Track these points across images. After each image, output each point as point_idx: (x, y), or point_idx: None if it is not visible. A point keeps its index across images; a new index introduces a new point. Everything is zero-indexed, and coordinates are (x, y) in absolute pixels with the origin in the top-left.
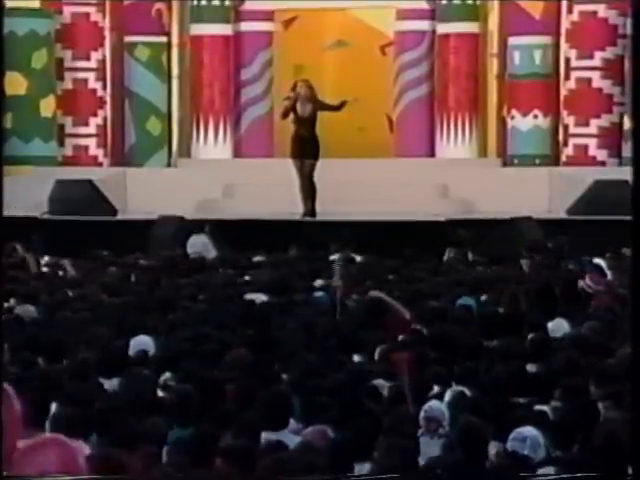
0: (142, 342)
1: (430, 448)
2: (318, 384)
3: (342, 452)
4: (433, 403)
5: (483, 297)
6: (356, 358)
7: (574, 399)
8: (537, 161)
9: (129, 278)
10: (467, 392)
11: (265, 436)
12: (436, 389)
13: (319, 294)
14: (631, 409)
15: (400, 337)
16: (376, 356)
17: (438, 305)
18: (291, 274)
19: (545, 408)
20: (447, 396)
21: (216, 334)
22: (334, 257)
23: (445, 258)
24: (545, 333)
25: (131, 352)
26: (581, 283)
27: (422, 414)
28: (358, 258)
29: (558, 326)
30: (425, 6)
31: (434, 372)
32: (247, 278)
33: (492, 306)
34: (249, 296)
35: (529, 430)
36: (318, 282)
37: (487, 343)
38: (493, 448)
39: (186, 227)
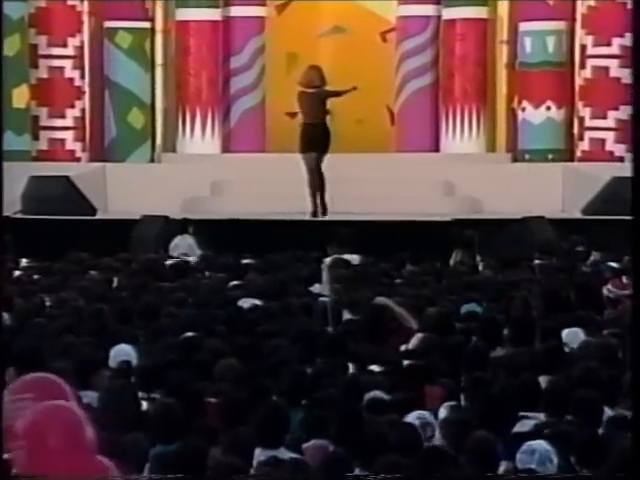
0: (123, 351)
1: None
2: (314, 397)
3: (342, 467)
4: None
5: (491, 303)
6: (354, 369)
7: (590, 414)
8: (550, 156)
9: (110, 282)
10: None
11: (259, 453)
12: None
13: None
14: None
15: (404, 347)
16: (378, 368)
17: (442, 311)
18: (285, 278)
19: (557, 423)
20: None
21: (204, 343)
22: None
23: (451, 261)
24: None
25: (112, 362)
26: (604, 289)
27: (417, 421)
28: (356, 260)
29: (573, 336)
30: None
31: (439, 383)
32: (237, 282)
33: (501, 313)
34: (240, 302)
35: (539, 443)
36: (316, 287)
37: (494, 353)
38: (502, 464)
39: (171, 227)
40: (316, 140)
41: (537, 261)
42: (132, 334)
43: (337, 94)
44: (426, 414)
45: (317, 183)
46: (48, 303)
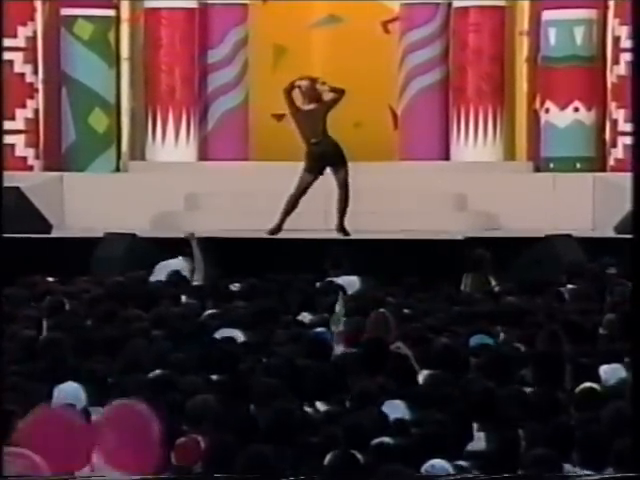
0: (69, 391)
1: None
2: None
3: None
4: (436, 462)
5: (507, 334)
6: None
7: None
8: (578, 165)
9: (67, 310)
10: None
11: None
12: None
13: (319, 330)
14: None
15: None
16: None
17: (451, 344)
18: (272, 305)
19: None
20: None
21: (179, 380)
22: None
23: (462, 286)
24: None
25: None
26: None
27: (423, 473)
28: (355, 284)
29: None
30: None
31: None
32: (217, 310)
33: (521, 346)
34: (221, 333)
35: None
36: (304, 316)
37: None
38: None
39: (139, 247)
40: (337, 156)
41: (569, 286)
42: (91, 370)
43: (336, 101)
44: (439, 464)
45: (343, 199)
46: None
